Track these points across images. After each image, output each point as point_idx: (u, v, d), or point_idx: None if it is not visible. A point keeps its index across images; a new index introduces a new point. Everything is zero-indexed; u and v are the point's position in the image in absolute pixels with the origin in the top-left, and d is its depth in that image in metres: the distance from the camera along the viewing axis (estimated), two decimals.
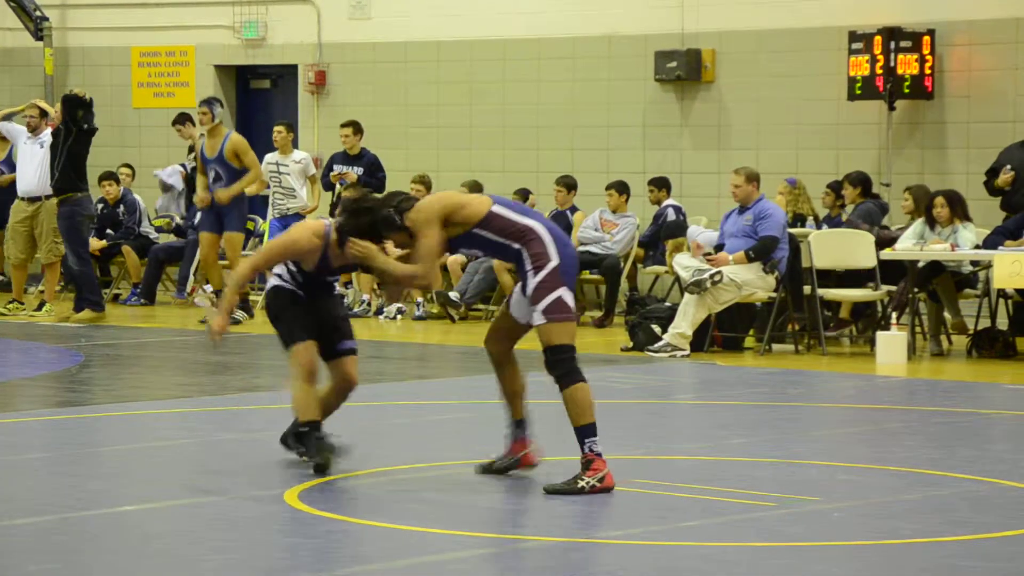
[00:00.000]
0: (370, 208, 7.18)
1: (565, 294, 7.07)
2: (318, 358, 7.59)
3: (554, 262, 7.05)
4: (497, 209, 7.10)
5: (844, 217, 14.13)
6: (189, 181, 17.30)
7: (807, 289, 13.22)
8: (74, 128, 14.96)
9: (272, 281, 7.62)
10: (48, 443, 8.54)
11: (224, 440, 8.65)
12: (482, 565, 5.93)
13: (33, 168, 15.64)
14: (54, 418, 9.35)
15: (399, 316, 15.85)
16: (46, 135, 15.63)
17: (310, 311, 7.58)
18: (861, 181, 14.38)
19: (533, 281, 7.05)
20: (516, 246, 7.08)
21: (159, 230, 18.06)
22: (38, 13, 19.22)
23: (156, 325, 15.28)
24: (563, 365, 7.08)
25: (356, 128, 16.35)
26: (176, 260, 17.40)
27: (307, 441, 7.45)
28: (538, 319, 7.08)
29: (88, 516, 6.60)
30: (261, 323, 15.00)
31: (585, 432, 7.07)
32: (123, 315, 16.01)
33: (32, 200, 15.63)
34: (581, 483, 7.03)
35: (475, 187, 16.05)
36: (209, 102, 15.33)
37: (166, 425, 9.19)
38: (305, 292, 7.59)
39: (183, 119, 17.28)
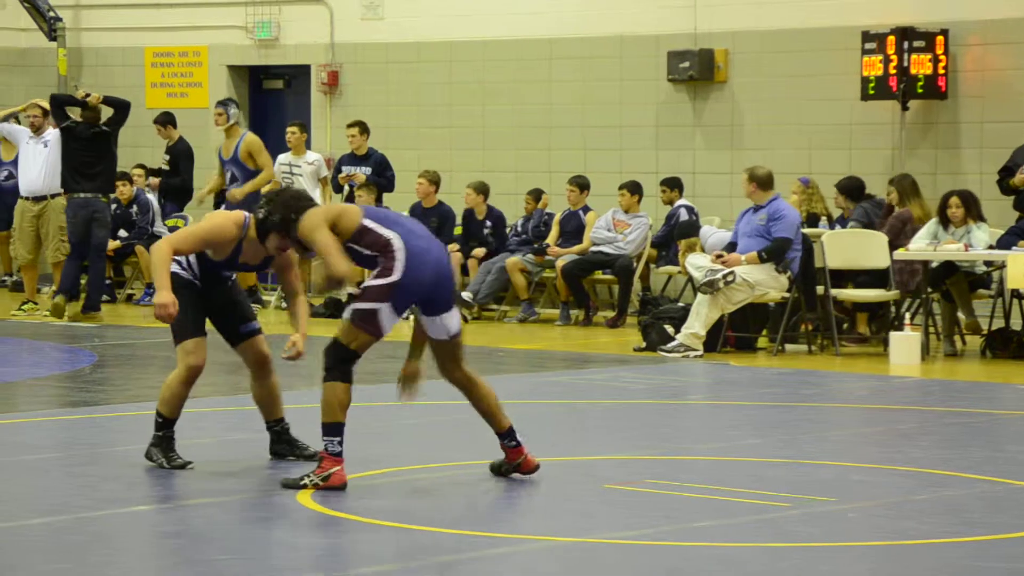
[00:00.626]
0: (284, 205, 7.23)
1: (384, 312, 7.09)
2: (205, 358, 7.57)
3: (394, 278, 7.07)
4: (367, 222, 7.13)
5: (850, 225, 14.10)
6: (164, 188, 17.28)
7: (820, 289, 13.20)
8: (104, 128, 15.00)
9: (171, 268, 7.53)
10: (61, 443, 8.55)
11: (237, 440, 8.65)
12: (494, 565, 5.92)
13: (37, 168, 15.67)
14: (68, 418, 9.37)
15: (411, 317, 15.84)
16: (49, 134, 15.64)
17: (206, 300, 7.58)
18: (847, 189, 14.33)
19: (366, 282, 7.11)
20: (380, 259, 7.11)
21: (172, 230, 18.06)
22: (52, 14, 19.25)
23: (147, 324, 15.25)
24: (335, 359, 7.12)
25: (363, 128, 16.38)
26: None
27: (164, 444, 7.53)
28: (346, 313, 7.14)
29: (102, 516, 6.60)
30: (275, 323, 15.01)
31: (326, 430, 7.09)
32: (136, 315, 16.02)
33: (37, 199, 15.64)
34: (306, 480, 7.05)
35: (482, 188, 16.05)
36: (224, 103, 15.39)
37: (180, 425, 9.19)
38: (200, 282, 7.60)
39: (165, 119, 17.30)
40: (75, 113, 15.17)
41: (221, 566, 5.80)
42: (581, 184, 15.87)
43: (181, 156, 17.39)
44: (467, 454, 8.05)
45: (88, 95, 15.02)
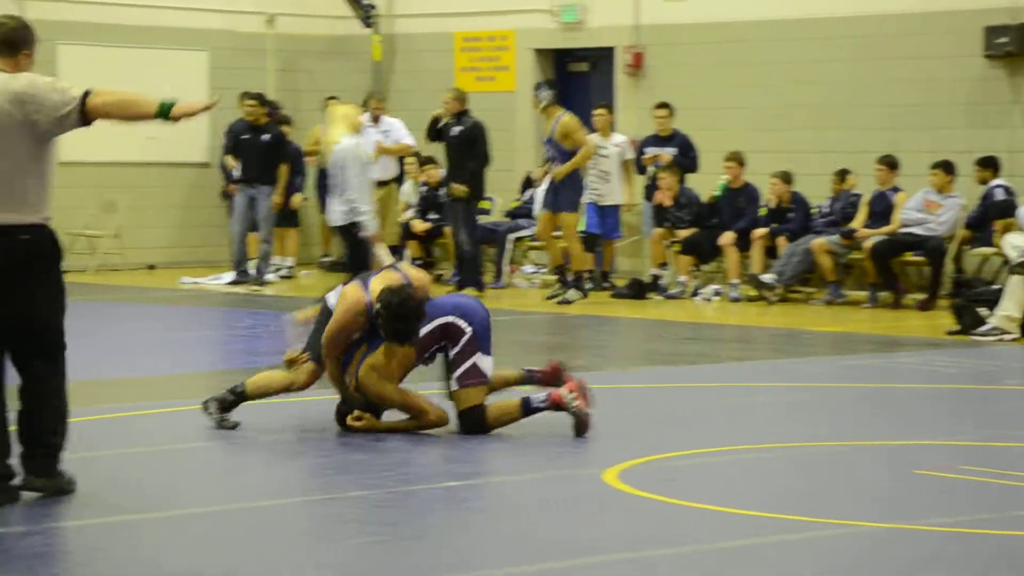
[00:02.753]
0: (407, 318, 7.67)
1: (480, 359, 7.96)
2: (310, 384, 8.04)
3: (468, 333, 7.94)
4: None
5: None
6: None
7: None
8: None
9: None
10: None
11: (539, 418, 8.70)
12: (796, 549, 5.80)
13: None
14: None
15: (716, 297, 15.74)
16: (386, 123, 16.02)
17: None
18: None
19: (451, 354, 7.93)
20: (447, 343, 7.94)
21: (481, 212, 18.28)
22: (367, 1, 19.71)
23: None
24: (478, 424, 7.86)
25: (671, 109, 16.38)
26: (494, 241, 17.61)
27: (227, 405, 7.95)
28: (453, 386, 7.91)
29: (413, 491, 6.71)
30: (591, 303, 15.08)
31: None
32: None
33: (379, 184, 16.04)
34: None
35: (786, 178, 15.79)
36: (538, 86, 15.51)
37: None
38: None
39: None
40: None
41: (527, 542, 5.82)
42: (890, 163, 15.47)
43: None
44: (773, 437, 7.92)
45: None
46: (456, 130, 15.62)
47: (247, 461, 7.44)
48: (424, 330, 7.74)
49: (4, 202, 6.27)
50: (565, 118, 15.18)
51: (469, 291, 15.53)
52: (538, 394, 7.94)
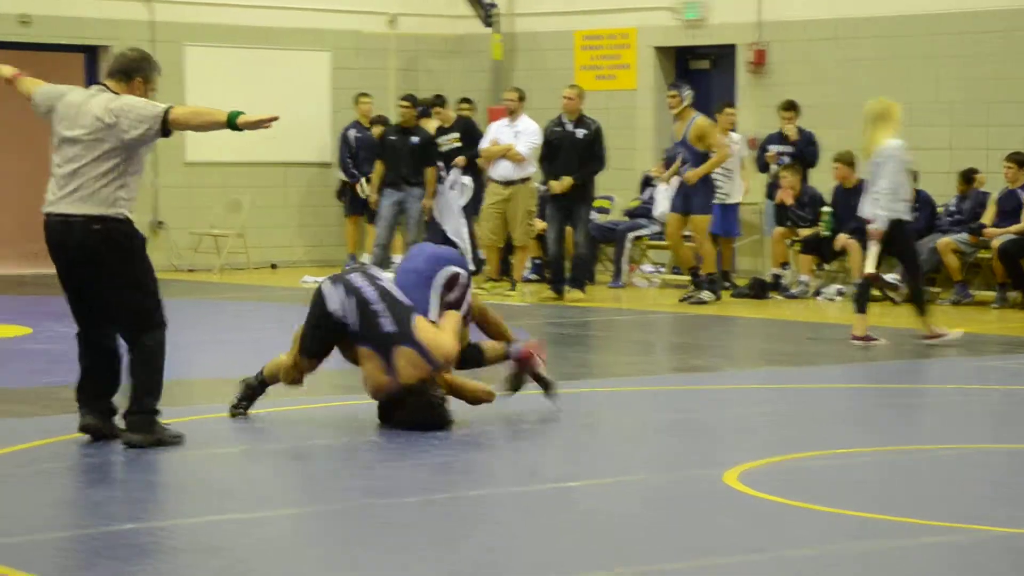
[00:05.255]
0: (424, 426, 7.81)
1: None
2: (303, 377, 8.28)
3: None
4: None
5: None
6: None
7: None
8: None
9: None
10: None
11: (664, 419, 8.62)
12: (924, 554, 5.67)
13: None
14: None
15: (839, 297, 15.54)
16: (521, 122, 15.95)
17: None
18: None
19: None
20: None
21: (599, 210, 18.21)
22: (488, 0, 19.71)
23: (594, 304, 15.43)
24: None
25: (797, 110, 16.27)
26: (610, 241, 17.51)
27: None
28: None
29: (527, 492, 6.67)
30: (726, 304, 14.97)
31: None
32: (606, 296, 16.28)
33: (507, 184, 16.00)
34: None
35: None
36: (677, 85, 15.34)
37: (600, 401, 9.22)
38: None
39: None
40: None
41: (640, 544, 5.76)
42: (1020, 161, 15.16)
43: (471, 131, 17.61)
44: (885, 439, 7.78)
45: None
46: (581, 132, 15.56)
47: (367, 458, 7.44)
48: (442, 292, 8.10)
49: (84, 197, 7.33)
50: (700, 120, 15.01)
51: (575, 292, 15.47)
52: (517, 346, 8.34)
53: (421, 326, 7.82)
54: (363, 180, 18.04)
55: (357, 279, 7.99)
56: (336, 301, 7.92)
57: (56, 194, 7.40)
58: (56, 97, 7.51)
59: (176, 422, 7.72)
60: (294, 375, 8.12)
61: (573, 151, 15.53)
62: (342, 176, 18.77)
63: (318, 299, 8.00)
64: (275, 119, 7.32)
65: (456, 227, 17.03)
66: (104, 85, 7.54)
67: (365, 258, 17.59)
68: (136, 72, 7.54)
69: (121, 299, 7.38)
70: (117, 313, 7.42)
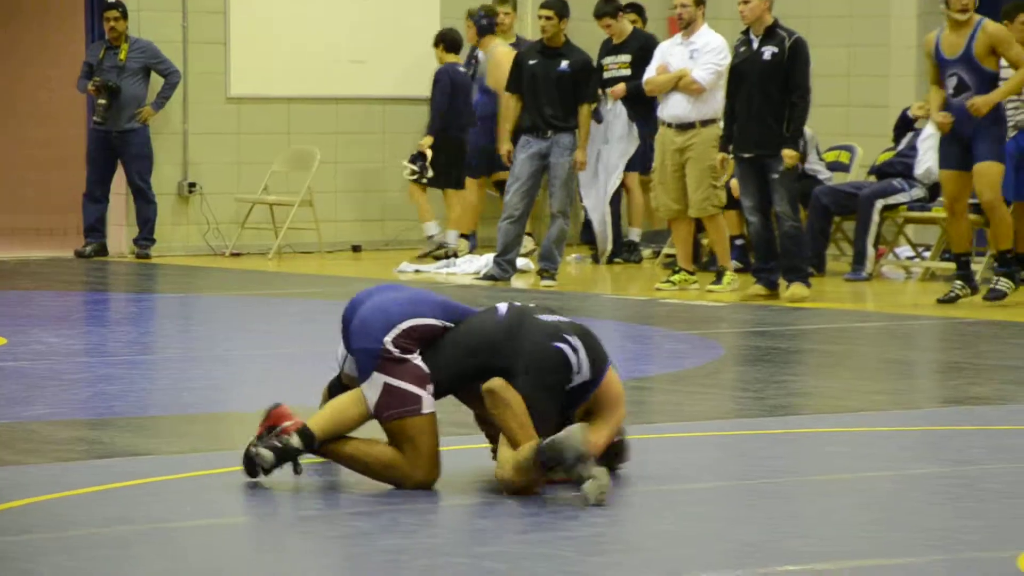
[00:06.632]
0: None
1: None
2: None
3: None
4: None
5: None
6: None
7: None
8: None
9: None
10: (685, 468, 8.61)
11: (928, 475, 8.51)
12: None
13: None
14: (682, 436, 9.42)
15: None
16: (700, 36, 15.89)
17: None
18: None
19: None
20: None
21: (833, 167, 18.04)
22: None
23: (824, 304, 15.28)
24: None
25: None
26: (849, 212, 17.34)
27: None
28: None
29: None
30: (986, 306, 14.78)
31: None
32: (841, 292, 16.41)
33: (683, 128, 15.91)
34: None
35: None
36: None
37: (839, 451, 9.12)
38: None
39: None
40: None
41: None
42: None
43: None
44: None
45: None
46: (768, 52, 15.23)
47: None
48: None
49: None
50: (990, 25, 14.72)
51: (796, 288, 15.24)
52: None
53: None
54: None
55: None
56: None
57: None
58: None
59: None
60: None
61: (758, 81, 15.22)
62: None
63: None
64: None
65: (596, 199, 17.12)
66: None
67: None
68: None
69: None
70: None
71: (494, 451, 8.05)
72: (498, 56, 18.62)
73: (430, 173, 18.53)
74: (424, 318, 7.89)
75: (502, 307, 7.98)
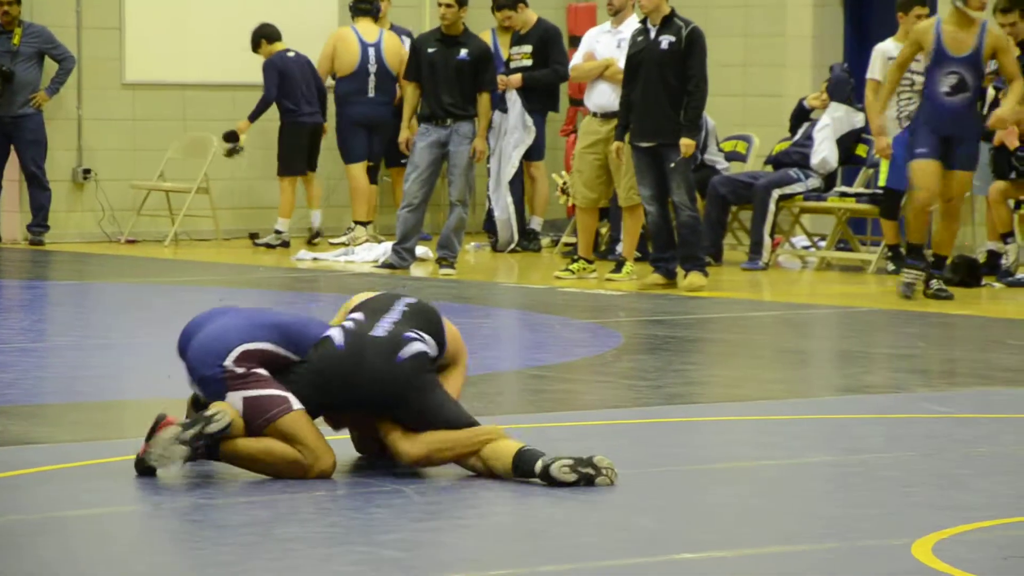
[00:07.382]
0: None
1: None
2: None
3: None
4: None
5: None
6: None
7: None
8: None
9: None
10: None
11: (824, 463, 8.55)
12: None
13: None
14: (579, 424, 9.43)
15: None
16: (628, 26, 15.86)
17: None
18: None
19: None
20: None
21: (730, 157, 18.11)
22: None
23: (721, 294, 15.33)
24: None
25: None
26: (746, 202, 17.41)
27: None
28: None
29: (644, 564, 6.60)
30: (892, 293, 14.83)
31: None
32: (738, 280, 16.36)
33: (608, 117, 15.92)
34: None
35: None
36: None
37: (737, 439, 9.15)
38: None
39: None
40: None
41: None
42: None
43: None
44: None
45: None
46: (665, 41, 15.22)
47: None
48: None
49: None
50: (995, 30, 14.63)
51: (694, 277, 15.30)
52: None
53: None
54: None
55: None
56: None
57: None
58: None
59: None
60: None
61: (655, 70, 15.22)
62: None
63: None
64: None
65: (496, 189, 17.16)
66: None
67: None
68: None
69: None
70: None
71: (355, 440, 8.10)
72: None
73: (243, 150, 18.75)
74: (261, 342, 7.85)
75: (336, 335, 7.90)
